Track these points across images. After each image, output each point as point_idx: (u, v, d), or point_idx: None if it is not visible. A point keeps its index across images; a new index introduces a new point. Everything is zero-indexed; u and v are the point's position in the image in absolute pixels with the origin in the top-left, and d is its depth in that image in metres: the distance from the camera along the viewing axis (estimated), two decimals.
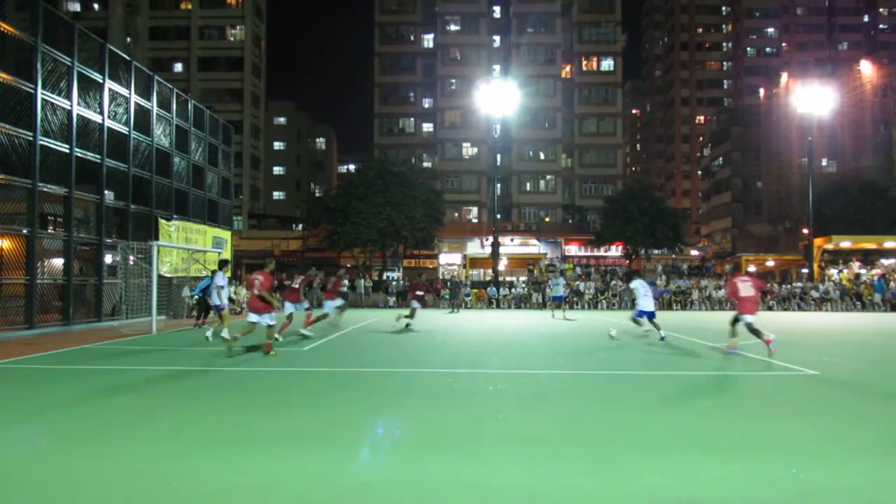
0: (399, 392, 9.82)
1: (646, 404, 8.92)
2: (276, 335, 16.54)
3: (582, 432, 7.30)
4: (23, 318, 19.45)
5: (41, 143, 20.06)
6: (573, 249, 67.26)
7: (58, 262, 21.43)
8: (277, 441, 6.85)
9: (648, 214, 53.17)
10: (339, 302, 20.71)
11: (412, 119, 73.95)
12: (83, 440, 6.91)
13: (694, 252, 71.45)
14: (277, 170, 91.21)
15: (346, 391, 9.86)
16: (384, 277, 49.32)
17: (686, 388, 10.37)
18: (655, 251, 58.05)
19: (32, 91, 19.82)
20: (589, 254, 66.05)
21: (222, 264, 16.76)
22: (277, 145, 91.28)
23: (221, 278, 17.05)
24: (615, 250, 62.40)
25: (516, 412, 8.41)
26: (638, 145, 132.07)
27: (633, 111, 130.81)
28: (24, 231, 19.40)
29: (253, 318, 14.19)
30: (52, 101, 20.74)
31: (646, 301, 18.32)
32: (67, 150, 21.37)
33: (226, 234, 32.88)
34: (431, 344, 16.96)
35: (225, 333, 15.47)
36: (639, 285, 18.59)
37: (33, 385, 10.44)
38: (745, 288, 14.34)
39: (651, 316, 18.22)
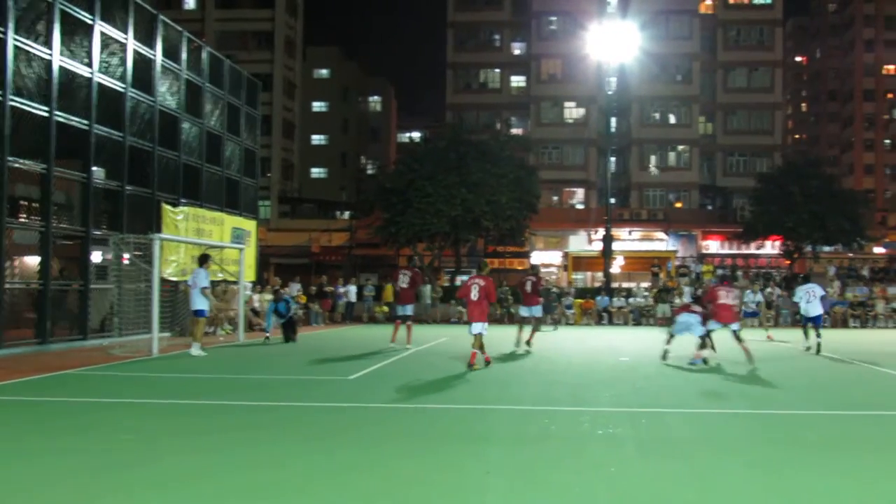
0: (475, 436, 9.82)
1: (832, 458, 8.72)
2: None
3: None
4: None
5: (12, 103, 20.35)
6: (714, 246, 66.50)
7: (32, 261, 21.82)
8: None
9: (817, 199, 52.18)
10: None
11: (497, 70, 73.94)
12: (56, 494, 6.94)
13: (879, 250, 69.88)
14: (317, 139, 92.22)
15: (406, 436, 9.88)
16: (458, 283, 49.32)
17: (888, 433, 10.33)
18: (826, 248, 57.04)
19: (2, 36, 20.09)
20: (735, 252, 65.19)
21: (203, 259, 17.79)
22: (317, 106, 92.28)
23: (203, 277, 18.01)
24: (771, 247, 61.48)
25: (635, 465, 8.31)
26: (803, 105, 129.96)
27: (798, 59, 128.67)
28: None
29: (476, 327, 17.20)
30: (28, 48, 21.04)
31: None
32: (46, 114, 21.65)
33: (249, 225, 33.16)
34: (519, 373, 16.99)
35: (196, 350, 16.72)
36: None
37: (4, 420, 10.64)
38: (725, 296, 18.78)
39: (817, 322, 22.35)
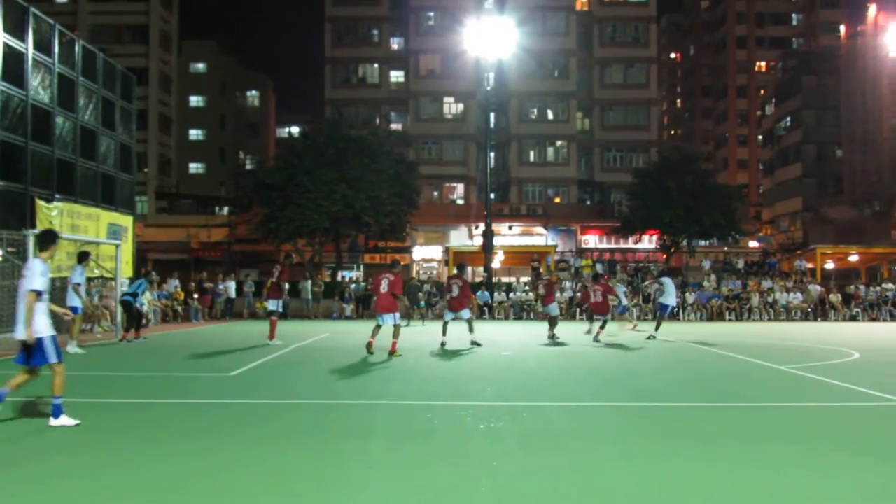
0: (358, 432, 9.97)
1: (707, 448, 9.25)
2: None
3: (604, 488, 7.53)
4: None
5: None
6: (592, 240, 67.72)
7: None
8: None
9: (692, 194, 53.36)
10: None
11: (376, 66, 74.11)
12: None
13: (753, 244, 71.97)
14: (195, 133, 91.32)
15: (287, 432, 10.06)
16: (339, 278, 49.43)
17: (760, 425, 10.75)
18: (702, 242, 58.34)
19: None
20: (613, 246, 66.46)
21: (82, 257, 18.57)
22: (195, 101, 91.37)
23: (79, 274, 18.86)
24: (648, 241, 62.76)
25: (516, 459, 8.56)
26: (678, 101, 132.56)
27: (672, 55, 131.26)
28: None
29: (388, 319, 19.16)
30: None
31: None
32: None
33: (126, 221, 32.90)
34: (401, 368, 17.09)
35: (73, 347, 17.52)
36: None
37: None
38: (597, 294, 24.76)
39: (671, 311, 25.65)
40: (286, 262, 25.19)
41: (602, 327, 24.74)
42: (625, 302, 32.87)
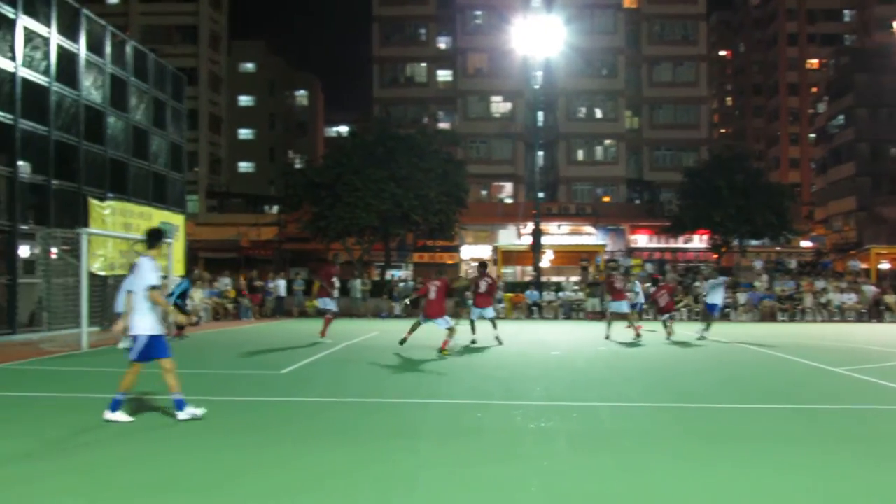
0: (408, 430, 10.01)
1: (758, 450, 9.15)
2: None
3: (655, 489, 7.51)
4: None
5: None
6: (642, 240, 67.29)
7: None
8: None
9: (743, 193, 53.03)
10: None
11: (423, 65, 74.09)
12: None
13: (806, 243, 71.22)
14: (244, 133, 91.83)
15: (337, 429, 10.13)
16: (388, 277, 49.54)
17: (813, 427, 10.67)
18: (753, 242, 57.98)
19: None
20: (663, 246, 66.06)
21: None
22: (244, 100, 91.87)
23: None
24: (699, 241, 62.36)
25: (566, 459, 8.57)
26: (728, 99, 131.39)
27: (722, 53, 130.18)
28: None
29: (440, 323, 19.91)
30: None
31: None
32: None
33: (177, 220, 33.13)
34: (451, 368, 17.14)
35: (124, 343, 17.73)
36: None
37: None
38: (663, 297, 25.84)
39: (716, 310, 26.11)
40: (334, 262, 25.23)
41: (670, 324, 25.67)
42: (640, 299, 32.78)
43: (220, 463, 8.19)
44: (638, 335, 24.95)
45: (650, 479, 7.66)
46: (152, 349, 10.19)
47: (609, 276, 26.66)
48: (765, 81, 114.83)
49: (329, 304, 23.74)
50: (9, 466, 7.86)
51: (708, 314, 26.70)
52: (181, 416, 10.13)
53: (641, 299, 32.87)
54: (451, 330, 19.74)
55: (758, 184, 54.51)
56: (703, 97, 74.86)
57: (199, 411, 10.20)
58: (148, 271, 10.09)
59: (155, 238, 10.66)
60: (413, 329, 20.65)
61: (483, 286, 22.50)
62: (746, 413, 11.77)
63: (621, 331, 26.68)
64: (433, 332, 20.30)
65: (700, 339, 24.90)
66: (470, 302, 34.36)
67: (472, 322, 23.17)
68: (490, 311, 22.92)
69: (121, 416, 10.03)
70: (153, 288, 10.09)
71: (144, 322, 10.10)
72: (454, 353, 19.54)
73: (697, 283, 41.83)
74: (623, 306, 25.93)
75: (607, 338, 24.91)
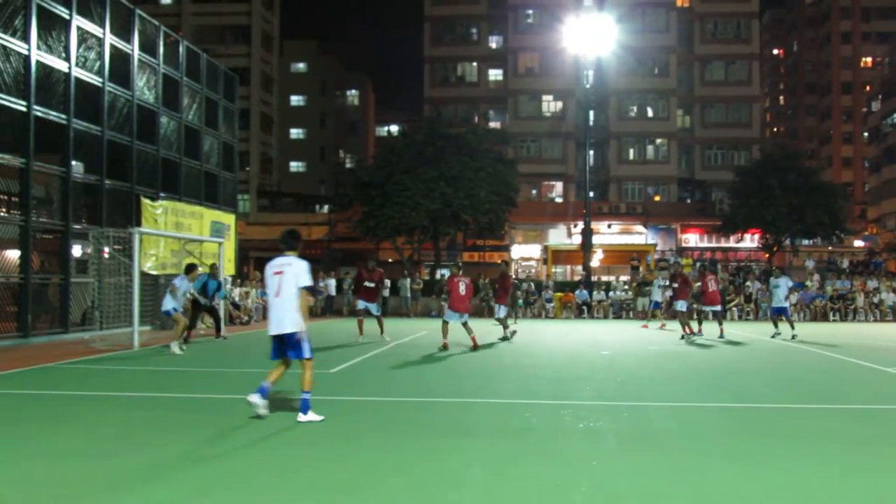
0: (456, 429, 9.92)
1: (811, 451, 8.92)
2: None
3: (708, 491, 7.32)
4: None
5: None
6: (693, 239, 66.82)
7: (12, 255, 21.92)
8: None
9: (795, 192, 52.44)
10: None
11: (474, 64, 74.05)
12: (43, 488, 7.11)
13: (858, 243, 70.41)
14: (295, 133, 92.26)
15: (385, 428, 10.01)
16: (438, 276, 49.44)
17: (866, 427, 10.43)
18: (805, 242, 57.37)
19: None
20: (714, 245, 65.56)
21: (189, 269, 20.15)
22: (295, 100, 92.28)
23: (180, 279, 19.75)
24: (750, 240, 61.79)
25: (616, 459, 8.41)
26: (781, 98, 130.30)
27: (775, 52, 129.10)
28: None
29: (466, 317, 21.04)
30: (5, 43, 21.16)
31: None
32: (24, 108, 21.81)
33: (228, 219, 33.26)
34: (499, 367, 17.05)
35: (175, 346, 17.87)
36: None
37: None
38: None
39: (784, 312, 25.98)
40: (367, 266, 24.67)
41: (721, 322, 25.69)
42: (658, 298, 32.50)
43: (272, 461, 8.12)
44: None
45: (702, 481, 7.50)
46: (297, 347, 10.46)
47: (678, 273, 26.71)
48: (818, 80, 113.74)
49: (362, 305, 23.76)
50: (54, 459, 7.80)
51: (778, 315, 26.61)
52: (302, 418, 10.20)
53: (659, 297, 32.56)
54: (466, 325, 20.96)
55: (810, 183, 53.85)
56: (756, 96, 74.20)
57: (319, 418, 10.23)
58: (304, 272, 10.39)
59: (296, 239, 10.91)
60: (445, 331, 20.95)
61: (462, 288, 21.81)
62: (799, 413, 11.56)
63: (672, 332, 26.47)
64: (480, 331, 20.20)
65: (792, 339, 24.55)
66: (521, 302, 34.53)
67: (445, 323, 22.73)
68: (460, 316, 22.07)
69: (312, 416, 10.19)
70: (306, 289, 10.39)
71: (298, 320, 10.29)
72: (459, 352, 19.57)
73: (748, 283, 41.48)
74: (681, 305, 25.83)
75: (692, 334, 24.98)
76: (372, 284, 23.33)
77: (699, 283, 26.35)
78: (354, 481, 7.34)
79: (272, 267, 10.51)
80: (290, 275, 10.35)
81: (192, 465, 7.92)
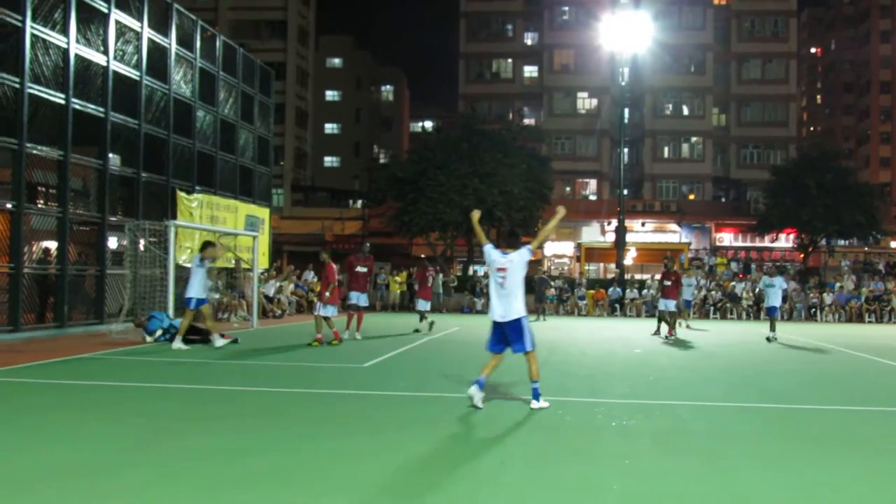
0: (488, 425, 9.93)
1: (847, 453, 8.89)
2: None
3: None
4: (6, 318, 20.13)
5: (30, 91, 20.62)
6: (727, 238, 66.51)
7: (50, 246, 22.13)
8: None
9: (832, 192, 51.94)
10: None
11: (510, 61, 74.06)
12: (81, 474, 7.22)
13: (895, 244, 69.88)
14: (330, 128, 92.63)
15: (417, 422, 10.10)
16: (471, 272, 49.48)
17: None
18: (841, 242, 56.90)
19: (20, 24, 20.34)
20: (749, 244, 65.23)
21: (204, 246, 18.94)
22: (330, 95, 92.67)
23: (197, 262, 19.05)
24: (785, 240, 61.43)
25: (649, 458, 8.39)
26: (818, 97, 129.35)
27: (813, 50, 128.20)
28: (9, 205, 20.04)
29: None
30: (45, 36, 21.31)
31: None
32: (63, 101, 21.96)
33: (263, 213, 33.50)
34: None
35: (218, 341, 17.94)
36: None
37: (21, 401, 11.01)
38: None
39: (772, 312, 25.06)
40: (358, 252, 23.53)
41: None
42: (689, 297, 32.36)
43: (299, 454, 8.15)
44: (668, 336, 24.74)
45: (735, 481, 7.44)
46: (520, 339, 11.17)
47: (671, 271, 26.74)
48: (856, 79, 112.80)
49: (355, 299, 22.10)
50: (105, 454, 7.91)
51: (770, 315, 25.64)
52: (535, 404, 10.92)
53: (689, 296, 32.44)
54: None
55: (846, 183, 53.33)
56: (793, 95, 73.77)
57: (546, 404, 11.00)
58: (524, 265, 11.21)
59: (517, 238, 11.96)
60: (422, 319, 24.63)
61: (430, 280, 25.18)
62: (836, 415, 11.49)
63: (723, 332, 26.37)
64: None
65: (768, 341, 23.86)
66: (552, 297, 34.67)
67: (421, 313, 25.68)
68: (426, 305, 25.76)
69: (543, 403, 10.97)
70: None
71: (522, 308, 11.10)
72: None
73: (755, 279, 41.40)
74: (670, 305, 25.75)
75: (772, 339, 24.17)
76: (364, 269, 22.01)
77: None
78: (388, 479, 7.33)
79: (496, 264, 11.18)
80: (514, 269, 11.05)
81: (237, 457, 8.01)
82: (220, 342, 18.74)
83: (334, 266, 20.31)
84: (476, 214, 12.40)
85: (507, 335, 11.07)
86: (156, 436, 8.89)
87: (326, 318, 19.83)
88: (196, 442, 8.63)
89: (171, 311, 21.21)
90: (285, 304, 33.13)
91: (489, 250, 11.44)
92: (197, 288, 18.74)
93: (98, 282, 23.77)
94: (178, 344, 18.30)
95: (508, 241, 11.64)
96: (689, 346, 22.39)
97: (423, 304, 25.73)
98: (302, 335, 22.05)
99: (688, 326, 30.74)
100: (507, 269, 11.02)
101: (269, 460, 7.84)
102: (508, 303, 10.99)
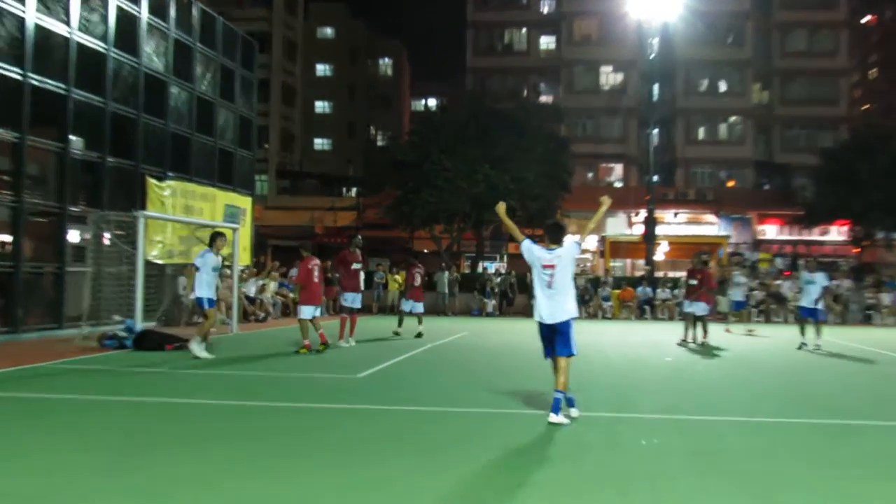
0: (501, 443, 9.80)
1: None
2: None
3: None
4: None
5: None
6: (771, 231, 66.40)
7: (2, 240, 22.04)
8: None
9: (889, 178, 51.84)
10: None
11: (524, 30, 73.96)
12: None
13: None
14: (321, 106, 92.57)
15: (419, 444, 9.96)
16: (480, 270, 49.39)
17: None
18: None
19: None
20: (796, 238, 65.09)
21: (213, 238, 18.38)
22: (321, 69, 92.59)
23: (200, 258, 18.59)
24: (837, 233, 61.31)
25: (683, 482, 8.26)
26: (873, 72, 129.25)
27: (866, 19, 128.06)
28: None
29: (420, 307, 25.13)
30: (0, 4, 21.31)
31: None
32: (19, 77, 21.91)
33: (244, 202, 33.35)
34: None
35: (199, 349, 17.49)
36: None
37: None
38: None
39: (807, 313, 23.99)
40: (350, 247, 23.40)
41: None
42: (740, 297, 32.20)
43: (274, 485, 7.98)
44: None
45: None
46: (566, 341, 11.38)
47: (697, 269, 26.75)
48: None
49: (349, 300, 22.22)
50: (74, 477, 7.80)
51: (806, 318, 24.45)
52: (554, 419, 10.89)
53: (740, 296, 32.29)
54: (420, 316, 25.63)
55: None
56: (844, 69, 73.57)
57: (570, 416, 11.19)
58: (573, 259, 11.60)
59: (562, 232, 11.87)
60: (401, 321, 26.02)
61: (418, 279, 25.51)
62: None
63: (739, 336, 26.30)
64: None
65: (815, 350, 22.96)
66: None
67: (402, 314, 26.35)
68: (420, 307, 26.00)
69: (562, 417, 10.93)
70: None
71: (573, 309, 11.37)
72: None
73: (836, 283, 41.14)
74: (700, 308, 25.69)
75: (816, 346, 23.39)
76: (359, 266, 22.33)
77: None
78: None
79: (540, 260, 11.39)
80: (563, 265, 11.30)
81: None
82: (199, 353, 18.21)
83: (312, 263, 19.94)
84: (502, 207, 12.50)
85: (554, 336, 11.30)
86: (129, 458, 8.76)
87: (312, 320, 19.66)
88: (178, 467, 8.47)
89: (138, 315, 21.07)
90: (268, 306, 33.02)
91: (529, 246, 11.59)
92: (206, 286, 18.53)
93: (57, 281, 23.71)
94: (201, 352, 18.06)
95: (552, 236, 11.59)
96: (730, 353, 22.27)
97: (410, 306, 25.85)
98: (287, 341, 21.94)
99: (727, 330, 30.62)
100: (555, 266, 11.25)
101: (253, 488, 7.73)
102: (557, 302, 11.24)
